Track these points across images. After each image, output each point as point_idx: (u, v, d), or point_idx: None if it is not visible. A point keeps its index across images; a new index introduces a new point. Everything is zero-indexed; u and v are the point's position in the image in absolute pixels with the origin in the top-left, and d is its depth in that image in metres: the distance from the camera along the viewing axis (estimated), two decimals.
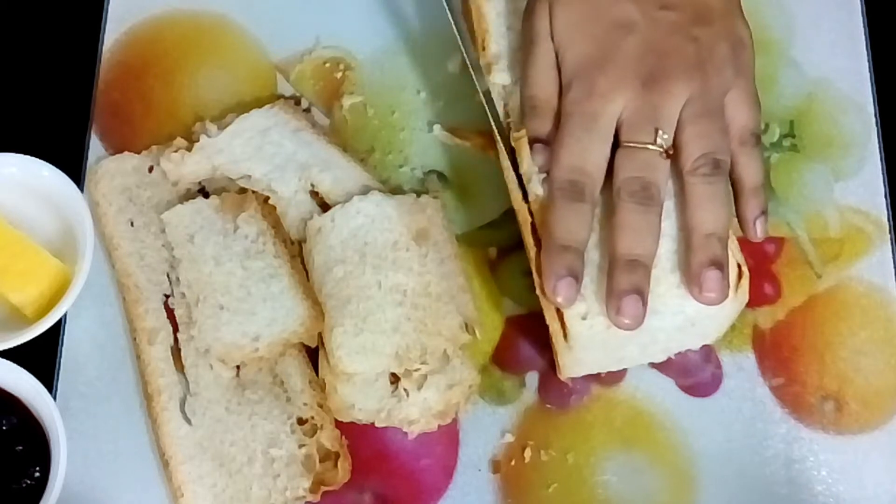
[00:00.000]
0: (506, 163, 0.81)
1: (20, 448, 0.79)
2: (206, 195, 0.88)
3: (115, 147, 0.90)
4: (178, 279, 0.85)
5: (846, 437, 0.83)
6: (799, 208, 0.89)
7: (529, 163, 0.79)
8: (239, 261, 0.84)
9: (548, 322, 0.77)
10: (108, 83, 0.93)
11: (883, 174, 0.90)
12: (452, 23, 0.85)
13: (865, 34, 0.93)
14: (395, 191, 0.88)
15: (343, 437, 0.82)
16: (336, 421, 0.82)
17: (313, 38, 0.94)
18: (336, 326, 0.82)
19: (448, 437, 0.83)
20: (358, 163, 0.89)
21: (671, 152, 0.76)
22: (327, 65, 0.93)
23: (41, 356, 0.83)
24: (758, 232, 0.79)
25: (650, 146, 0.76)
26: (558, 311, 0.76)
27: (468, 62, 0.84)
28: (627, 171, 0.76)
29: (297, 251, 0.86)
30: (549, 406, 0.84)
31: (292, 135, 0.89)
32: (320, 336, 0.83)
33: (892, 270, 0.87)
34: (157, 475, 0.82)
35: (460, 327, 0.83)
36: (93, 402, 0.84)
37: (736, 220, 0.79)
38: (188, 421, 0.82)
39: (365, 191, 0.87)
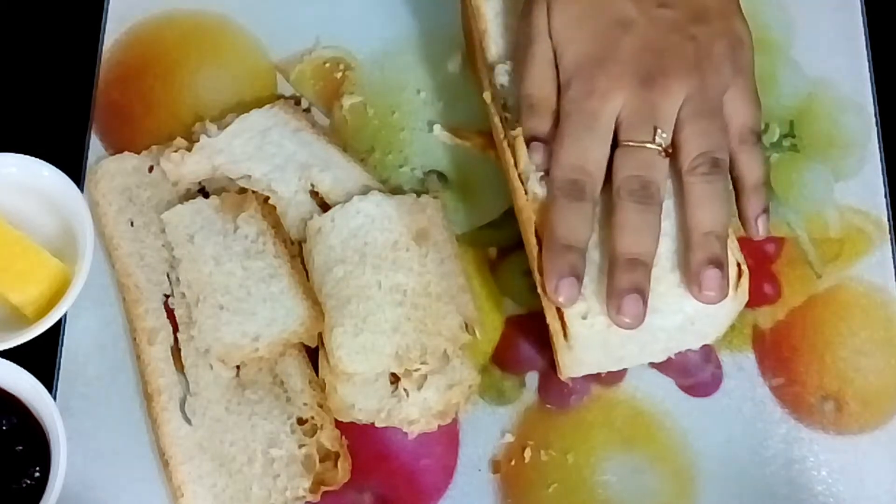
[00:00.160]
0: (509, 161, 0.81)
1: (20, 448, 0.79)
2: (206, 195, 0.88)
3: (115, 147, 0.90)
4: (178, 279, 0.85)
5: (846, 437, 0.83)
6: (799, 208, 0.89)
7: (527, 161, 0.79)
8: (239, 261, 0.84)
9: (548, 321, 0.77)
10: (108, 83, 0.93)
11: (883, 174, 0.90)
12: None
13: (865, 34, 0.93)
14: (395, 191, 0.88)
15: (343, 437, 0.81)
16: (336, 421, 0.82)
17: (313, 38, 0.94)
18: (336, 326, 0.82)
19: (448, 437, 0.83)
20: (358, 163, 0.89)
21: (670, 151, 0.76)
22: (327, 65, 0.93)
23: (41, 356, 0.83)
24: (760, 230, 0.79)
25: (649, 145, 0.76)
26: (559, 310, 0.76)
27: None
28: (626, 170, 0.76)
29: (297, 251, 0.86)
30: (549, 406, 0.84)
31: (292, 135, 0.89)
32: (320, 336, 0.83)
33: (892, 270, 0.87)
34: (157, 475, 0.82)
35: (460, 327, 0.83)
36: (93, 402, 0.84)
37: (736, 219, 0.79)
38: (188, 421, 0.82)
39: (365, 191, 0.87)
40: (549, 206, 0.77)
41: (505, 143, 0.81)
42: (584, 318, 0.76)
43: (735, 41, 0.79)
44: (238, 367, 0.83)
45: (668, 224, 0.77)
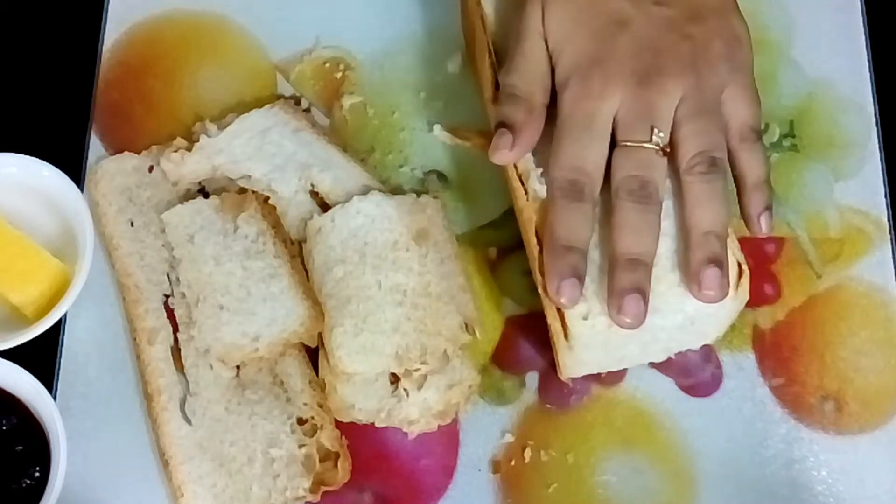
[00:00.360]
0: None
1: (20, 448, 0.79)
2: (206, 195, 0.88)
3: (115, 147, 0.90)
4: (178, 279, 0.85)
5: (846, 437, 0.83)
6: (799, 208, 0.89)
7: (527, 161, 0.79)
8: (239, 261, 0.84)
9: (549, 322, 0.77)
10: (108, 83, 0.93)
11: (883, 174, 0.90)
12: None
13: (865, 34, 0.93)
14: (395, 191, 0.88)
15: (343, 437, 0.81)
16: (336, 421, 0.82)
17: (313, 38, 0.94)
18: (336, 326, 0.82)
19: (448, 437, 0.83)
20: (358, 163, 0.89)
21: (668, 150, 0.76)
22: (327, 65, 0.93)
23: (41, 356, 0.83)
24: (763, 228, 0.79)
25: (646, 145, 0.76)
26: (559, 310, 0.76)
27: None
28: (625, 170, 0.76)
29: (297, 251, 0.86)
30: (549, 406, 0.84)
31: (292, 135, 0.89)
32: (320, 336, 0.83)
33: (892, 270, 0.87)
34: (157, 475, 0.82)
35: (460, 327, 0.83)
36: (93, 402, 0.83)
37: (736, 218, 0.79)
38: (188, 421, 0.82)
39: (365, 191, 0.87)
40: (548, 207, 0.77)
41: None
42: (585, 318, 0.76)
43: (732, 39, 0.79)
44: (238, 367, 0.83)
45: (668, 224, 0.77)
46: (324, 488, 0.80)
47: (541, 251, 0.77)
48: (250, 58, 0.94)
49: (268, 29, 0.94)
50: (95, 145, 0.90)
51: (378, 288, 0.83)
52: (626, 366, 0.83)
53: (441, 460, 0.82)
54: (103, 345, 0.85)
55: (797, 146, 0.91)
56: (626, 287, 0.74)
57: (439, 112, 0.91)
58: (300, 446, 0.81)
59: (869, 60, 0.93)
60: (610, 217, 0.76)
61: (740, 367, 0.85)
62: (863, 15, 0.94)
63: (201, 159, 0.87)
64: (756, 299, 0.82)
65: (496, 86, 0.81)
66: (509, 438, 0.83)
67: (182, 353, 0.84)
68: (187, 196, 0.88)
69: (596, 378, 0.84)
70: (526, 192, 0.79)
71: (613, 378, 0.84)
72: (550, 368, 0.84)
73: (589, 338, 0.76)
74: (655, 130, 0.76)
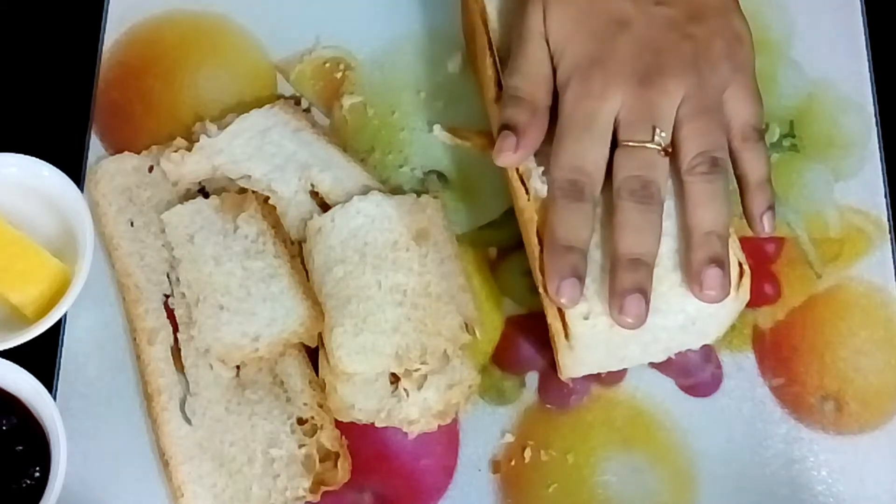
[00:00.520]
0: None
1: (20, 448, 0.79)
2: (206, 195, 0.88)
3: (115, 147, 0.90)
4: (178, 279, 0.85)
5: (846, 437, 0.83)
6: (799, 208, 0.89)
7: (527, 160, 0.79)
8: (239, 261, 0.84)
9: (549, 322, 0.77)
10: (108, 83, 0.93)
11: (883, 174, 0.90)
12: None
13: (865, 34, 0.93)
14: (395, 191, 0.88)
15: (343, 437, 0.81)
16: (336, 421, 0.82)
17: (313, 38, 0.94)
18: (336, 326, 0.82)
19: (448, 437, 0.83)
20: (358, 163, 0.89)
21: (670, 150, 0.76)
22: (327, 65, 0.93)
23: (41, 356, 0.83)
24: (765, 227, 0.79)
25: (648, 145, 0.76)
26: (560, 310, 0.76)
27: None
28: (626, 170, 0.76)
29: (297, 251, 0.86)
30: (549, 406, 0.84)
31: (292, 135, 0.89)
32: (320, 336, 0.83)
33: (892, 270, 0.87)
34: (157, 475, 0.82)
35: (460, 327, 0.83)
36: (93, 402, 0.83)
37: (737, 218, 0.79)
38: (188, 421, 0.82)
39: (365, 191, 0.87)
40: (548, 207, 0.77)
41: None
42: (586, 318, 0.76)
43: (733, 39, 0.79)
44: (238, 367, 0.83)
45: (670, 224, 0.77)
46: (324, 488, 0.80)
47: (541, 251, 0.77)
48: (250, 58, 0.94)
49: (268, 29, 0.94)
50: (95, 145, 0.90)
51: (378, 288, 0.83)
52: (627, 366, 0.83)
53: (441, 460, 0.82)
54: (103, 345, 0.85)
55: (797, 146, 0.91)
56: (627, 287, 0.74)
57: (439, 112, 0.91)
58: (300, 446, 0.81)
59: (869, 60, 0.93)
60: (611, 217, 0.76)
61: (740, 367, 0.85)
62: (863, 15, 0.94)
63: (201, 159, 0.87)
64: (756, 299, 0.82)
65: (498, 85, 0.81)
66: (509, 438, 0.83)
67: (182, 353, 0.84)
68: (187, 196, 0.88)
69: (596, 378, 0.84)
70: (527, 192, 0.79)
71: (613, 378, 0.84)
72: (550, 368, 0.84)
73: (590, 338, 0.76)
74: (657, 130, 0.76)
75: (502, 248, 0.87)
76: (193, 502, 0.80)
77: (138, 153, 0.89)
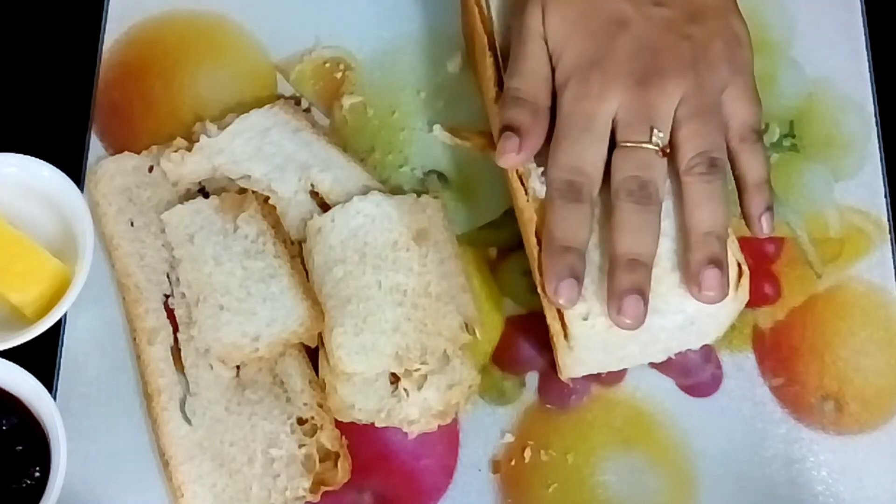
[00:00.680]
0: None
1: (20, 448, 0.79)
2: (206, 195, 0.88)
3: (115, 147, 0.90)
4: (178, 279, 0.85)
5: (846, 437, 0.83)
6: (799, 208, 0.89)
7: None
8: (239, 261, 0.84)
9: (549, 322, 0.77)
10: (108, 83, 0.93)
11: (883, 174, 0.90)
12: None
13: (865, 34, 0.93)
14: (395, 191, 0.88)
15: (343, 437, 0.81)
16: (336, 421, 0.82)
17: (313, 38, 0.94)
18: (336, 326, 0.82)
19: (448, 437, 0.83)
20: (358, 163, 0.89)
21: (668, 151, 0.76)
22: (327, 65, 0.93)
23: (41, 356, 0.83)
24: (764, 228, 0.79)
25: (646, 145, 0.76)
26: (559, 311, 0.76)
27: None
28: (625, 170, 0.76)
29: (297, 251, 0.86)
30: (549, 406, 0.84)
31: (292, 135, 0.89)
32: (320, 336, 0.83)
33: (892, 270, 0.87)
34: (157, 475, 0.82)
35: (460, 327, 0.83)
36: (93, 402, 0.83)
37: (736, 218, 0.79)
38: (188, 421, 0.82)
39: (365, 191, 0.87)
40: (547, 208, 0.77)
41: None
42: (585, 318, 0.76)
43: (732, 40, 0.79)
44: (238, 367, 0.83)
45: (669, 224, 0.77)
46: (324, 488, 0.80)
47: (541, 251, 0.77)
48: (250, 58, 0.94)
49: (268, 29, 0.94)
50: (95, 145, 0.90)
51: (378, 288, 0.83)
52: (626, 366, 0.83)
53: (441, 460, 0.82)
54: (103, 345, 0.85)
55: (797, 146, 0.91)
56: (626, 287, 0.74)
57: (439, 112, 0.91)
58: (300, 446, 0.81)
59: (869, 60, 0.93)
60: (610, 217, 0.76)
61: (740, 367, 0.85)
62: (863, 15, 0.94)
63: (201, 159, 0.87)
64: (756, 299, 0.82)
65: (499, 85, 0.81)
66: (509, 438, 0.83)
67: (182, 353, 0.84)
68: (187, 196, 0.88)
69: (596, 378, 0.84)
70: (526, 193, 0.79)
71: (613, 378, 0.84)
72: (550, 368, 0.84)
73: (589, 338, 0.76)
74: (655, 131, 0.76)
75: (502, 248, 0.87)
76: (193, 502, 0.80)
77: (138, 153, 0.89)
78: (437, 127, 0.91)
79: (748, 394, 0.84)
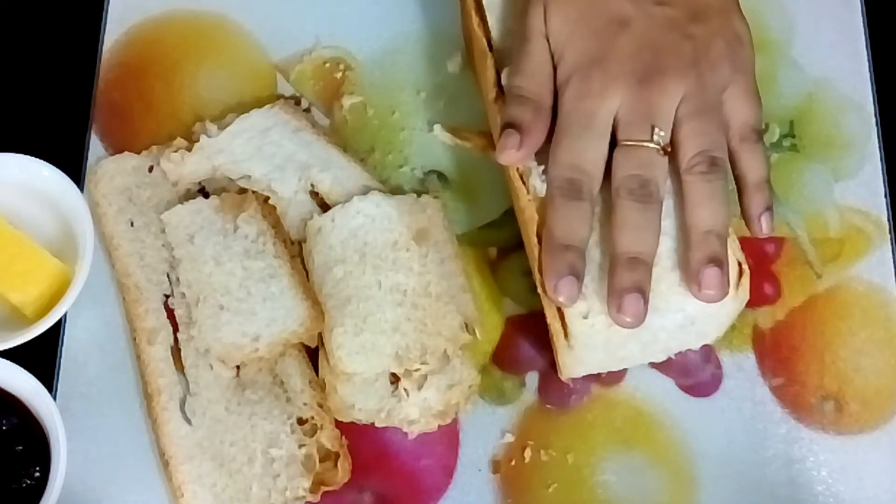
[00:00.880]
0: None
1: (20, 448, 0.79)
2: (206, 195, 0.88)
3: (115, 147, 0.90)
4: (178, 279, 0.85)
5: (846, 437, 0.83)
6: (799, 208, 0.89)
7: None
8: (239, 261, 0.84)
9: (549, 321, 0.77)
10: (108, 83, 0.93)
11: (883, 174, 0.90)
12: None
13: (865, 34, 0.93)
14: (395, 191, 0.88)
15: (343, 437, 0.81)
16: (336, 421, 0.82)
17: (313, 38, 0.94)
18: (336, 326, 0.82)
19: (448, 437, 0.83)
20: (358, 163, 0.89)
21: (669, 149, 0.76)
22: (327, 65, 0.93)
23: (41, 356, 0.83)
24: (763, 228, 0.79)
25: (647, 144, 0.76)
26: (559, 310, 0.76)
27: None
28: (625, 169, 0.76)
29: (297, 251, 0.86)
30: (549, 406, 0.84)
31: (292, 135, 0.89)
32: (320, 336, 0.83)
33: (892, 270, 0.87)
34: (157, 475, 0.82)
35: (460, 327, 0.83)
36: (93, 402, 0.83)
37: (737, 218, 0.79)
38: (188, 421, 0.82)
39: (365, 191, 0.87)
40: (547, 206, 0.77)
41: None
42: (585, 317, 0.76)
43: (734, 39, 0.79)
44: (238, 367, 0.83)
45: (669, 223, 0.77)
46: (324, 488, 0.80)
47: (541, 250, 0.77)
48: (250, 58, 0.94)
49: (268, 29, 0.94)
50: (95, 145, 0.90)
51: (378, 288, 0.83)
52: (626, 366, 0.83)
53: (441, 460, 0.82)
54: (103, 345, 0.85)
55: (797, 146, 0.91)
56: (626, 286, 0.74)
57: (439, 112, 0.91)
58: (300, 446, 0.81)
59: (869, 60, 0.93)
60: (610, 216, 0.76)
61: (740, 367, 0.85)
62: (863, 15, 0.94)
63: (201, 159, 0.87)
64: (756, 299, 0.82)
65: (499, 85, 0.81)
66: (509, 438, 0.83)
67: (182, 353, 0.84)
68: (187, 196, 0.88)
69: (596, 378, 0.84)
70: (527, 191, 0.79)
71: (613, 378, 0.84)
72: (550, 368, 0.84)
73: (589, 337, 0.76)
74: (656, 130, 0.76)
75: (502, 248, 0.87)
76: (193, 502, 0.80)
77: (138, 153, 0.89)
78: (437, 127, 0.91)
79: (748, 394, 0.84)
